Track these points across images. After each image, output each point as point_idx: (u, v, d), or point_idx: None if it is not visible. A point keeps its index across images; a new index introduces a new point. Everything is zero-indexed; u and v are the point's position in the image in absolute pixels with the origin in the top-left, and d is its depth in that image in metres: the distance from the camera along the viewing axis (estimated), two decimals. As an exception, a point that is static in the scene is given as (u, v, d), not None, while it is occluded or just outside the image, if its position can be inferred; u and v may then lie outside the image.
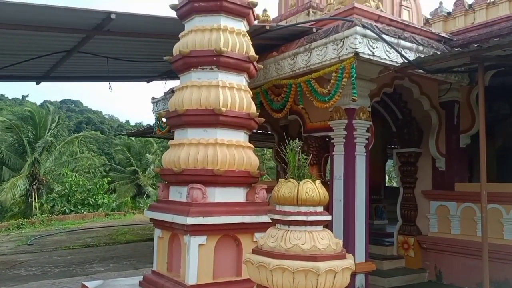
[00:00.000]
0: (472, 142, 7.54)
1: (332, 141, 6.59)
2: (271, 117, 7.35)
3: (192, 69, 5.24)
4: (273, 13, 9.67)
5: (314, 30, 6.54)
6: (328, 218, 3.63)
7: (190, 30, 5.33)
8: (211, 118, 5.00)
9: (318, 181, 4.38)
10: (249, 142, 5.51)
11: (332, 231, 6.36)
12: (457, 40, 7.15)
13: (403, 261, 7.78)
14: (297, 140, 4.67)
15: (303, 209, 3.66)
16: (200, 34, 5.22)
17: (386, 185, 15.66)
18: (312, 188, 3.96)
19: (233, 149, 5.06)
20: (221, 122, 5.02)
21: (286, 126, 9.71)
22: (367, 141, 6.49)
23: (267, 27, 6.47)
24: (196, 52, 5.15)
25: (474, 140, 7.22)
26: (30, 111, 24.08)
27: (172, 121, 5.44)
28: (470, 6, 9.42)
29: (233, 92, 5.18)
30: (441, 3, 9.92)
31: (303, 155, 4.64)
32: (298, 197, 3.81)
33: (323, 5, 8.08)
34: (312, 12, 8.12)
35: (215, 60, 5.12)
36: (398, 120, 8.08)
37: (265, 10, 9.60)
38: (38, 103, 37.36)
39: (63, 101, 61.51)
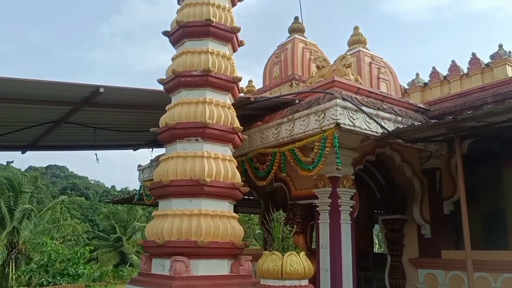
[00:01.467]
0: (456, 208, 7.61)
1: (317, 209, 6.61)
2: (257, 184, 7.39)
3: (178, 140, 5.35)
4: (258, 83, 10.09)
5: (297, 101, 6.80)
6: (311, 291, 3.53)
7: (177, 103, 5.51)
8: (195, 188, 5.03)
9: (302, 253, 4.34)
10: (235, 208, 5.50)
11: (320, 302, 6.24)
12: (434, 110, 7.46)
13: (395, 333, 7.51)
14: (281, 211, 4.69)
15: (287, 283, 3.60)
16: (186, 106, 5.40)
17: (375, 251, 15.44)
18: (297, 261, 3.92)
19: (218, 220, 5.05)
20: (205, 192, 5.05)
21: (272, 193, 9.71)
22: (351, 209, 6.52)
23: (252, 99, 6.72)
24: (182, 124, 5.29)
25: (458, 206, 7.30)
26: (8, 178, 23.65)
27: (156, 192, 5.45)
28: (445, 77, 9.94)
29: (218, 162, 5.27)
30: (417, 74, 10.46)
31: (287, 226, 4.64)
32: (283, 270, 3.77)
33: (305, 77, 8.45)
34: (295, 83, 8.47)
35: (200, 131, 5.25)
36: (382, 187, 8.18)
37: (250, 81, 10.04)
38: (23, 169, 37.00)
39: (48, 167, 60.91)
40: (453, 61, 9.76)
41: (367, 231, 11.19)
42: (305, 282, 4.00)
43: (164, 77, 5.80)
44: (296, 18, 9.54)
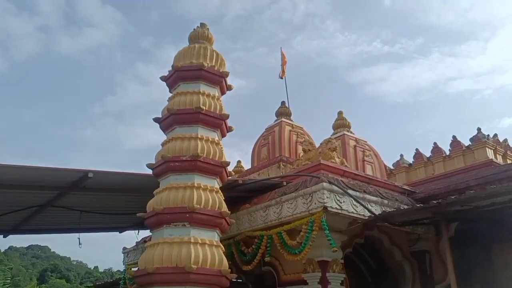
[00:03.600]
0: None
1: (308, 295, 6.41)
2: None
3: (164, 226, 5.31)
4: (246, 161, 10.25)
5: (285, 183, 6.88)
6: None
7: (165, 188, 5.55)
8: (181, 276, 4.90)
9: None
10: None
11: None
12: (419, 192, 7.58)
13: None
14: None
15: None
16: (174, 191, 5.43)
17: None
18: None
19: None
20: (191, 280, 4.91)
21: (261, 276, 9.43)
22: (342, 295, 6.34)
23: (240, 181, 6.80)
24: (170, 209, 5.28)
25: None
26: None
27: (141, 280, 5.28)
28: (429, 158, 10.23)
29: (205, 248, 5.19)
30: (401, 155, 10.76)
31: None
32: None
33: (293, 159, 8.64)
34: (283, 165, 8.63)
35: (188, 216, 5.24)
36: (372, 270, 8.01)
37: (239, 161, 10.20)
38: (3, 250, 35.52)
39: (29, 247, 58.60)
40: (435, 143, 10.11)
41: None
42: None
43: (154, 158, 5.90)
44: (283, 103, 9.98)
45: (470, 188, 6.48)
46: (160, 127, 6.18)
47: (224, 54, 6.56)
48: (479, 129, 9.46)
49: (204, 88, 6.17)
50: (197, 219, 5.27)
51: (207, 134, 5.92)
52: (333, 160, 7.21)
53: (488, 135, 9.38)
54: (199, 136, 5.78)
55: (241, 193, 7.18)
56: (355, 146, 8.73)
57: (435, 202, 5.81)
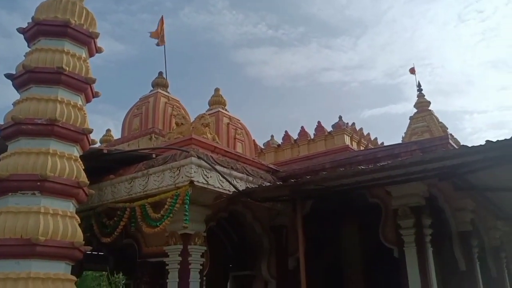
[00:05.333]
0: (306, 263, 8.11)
1: (167, 267, 6.46)
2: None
3: (10, 194, 4.82)
4: (119, 134, 9.79)
5: (154, 156, 6.74)
6: None
7: (14, 152, 5.03)
8: (26, 249, 4.53)
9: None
10: (84, 264, 5.03)
11: None
12: (283, 172, 8.07)
13: None
14: (120, 274, 4.50)
15: None
16: (24, 157, 4.95)
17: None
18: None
19: (50, 284, 4.57)
20: (38, 253, 4.57)
21: (123, 249, 9.22)
22: (201, 267, 6.52)
23: (105, 151, 6.47)
24: (18, 176, 4.81)
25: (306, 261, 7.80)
26: None
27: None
28: (295, 141, 10.94)
29: (57, 219, 4.86)
30: (272, 136, 11.35)
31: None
32: None
33: (165, 132, 8.49)
34: (155, 137, 8.44)
35: (38, 185, 4.83)
36: (234, 243, 8.38)
37: (108, 130, 9.69)
38: None
39: None
40: (302, 127, 10.85)
41: (221, 286, 11.23)
42: None
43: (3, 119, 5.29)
44: (160, 73, 9.70)
45: (325, 170, 7.11)
46: (14, 85, 5.53)
47: (104, 14, 6.18)
48: (340, 117, 10.39)
49: (69, 47, 5.66)
50: (50, 188, 4.89)
51: (69, 98, 5.48)
52: (205, 136, 7.27)
53: (347, 123, 10.37)
54: (59, 98, 5.32)
55: (106, 163, 6.84)
56: (228, 123, 8.92)
57: (292, 181, 6.26)
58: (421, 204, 7.05)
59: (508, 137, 4.39)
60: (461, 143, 9.23)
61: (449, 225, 8.75)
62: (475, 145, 4.67)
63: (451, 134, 10.54)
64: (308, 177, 6.12)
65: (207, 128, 7.42)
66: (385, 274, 12.41)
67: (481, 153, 4.79)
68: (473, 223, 9.35)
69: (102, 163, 6.71)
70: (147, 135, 8.49)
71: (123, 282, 4.09)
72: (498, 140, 4.48)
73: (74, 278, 5.00)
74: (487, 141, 4.53)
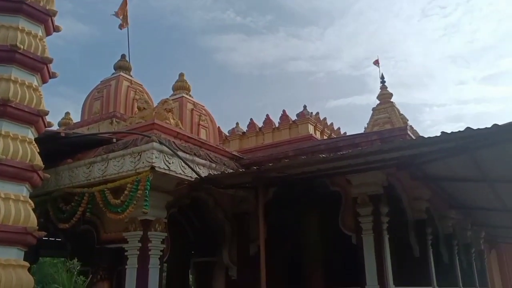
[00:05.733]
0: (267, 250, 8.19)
1: (126, 253, 6.37)
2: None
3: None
4: (77, 117, 9.49)
5: (115, 140, 6.58)
6: None
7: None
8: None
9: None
10: (39, 250, 4.87)
11: None
12: (246, 159, 8.09)
13: None
14: (75, 260, 4.41)
15: None
16: (-28, 138, 4.71)
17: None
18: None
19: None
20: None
21: (82, 235, 9.01)
22: (161, 253, 6.47)
23: (63, 134, 6.26)
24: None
25: (267, 248, 7.88)
26: None
27: None
28: (260, 129, 10.96)
29: (9, 203, 4.69)
30: (237, 123, 11.31)
31: (81, 276, 4.36)
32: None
33: (127, 116, 8.30)
34: (116, 121, 8.23)
35: (-13, 168, 4.61)
36: (196, 230, 8.35)
37: (67, 113, 9.37)
38: None
39: None
40: (267, 115, 10.89)
41: (182, 274, 11.21)
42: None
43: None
44: (123, 56, 9.43)
45: (288, 158, 7.18)
46: (-38, 62, 5.22)
47: (68, -8, 5.82)
48: (305, 106, 10.49)
49: (24, 24, 5.39)
50: (2, 171, 4.69)
51: (23, 77, 5.23)
52: (168, 121, 7.17)
53: (312, 113, 10.48)
54: (13, 78, 5.08)
55: (63, 147, 6.63)
56: (192, 109, 8.81)
57: (255, 168, 6.28)
58: (380, 193, 7.25)
59: (462, 129, 4.56)
60: (420, 135, 9.53)
61: (406, 214, 9.06)
62: (431, 136, 4.83)
63: (410, 126, 10.85)
64: (270, 164, 6.16)
65: (170, 113, 7.31)
66: (343, 261, 12.80)
67: (436, 144, 4.96)
68: (428, 211, 9.72)
69: (59, 147, 6.50)
70: (107, 119, 8.26)
71: (78, 268, 4.00)
72: (452, 132, 4.65)
73: (26, 264, 4.84)
74: (442, 132, 4.69)
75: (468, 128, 4.51)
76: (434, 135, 4.77)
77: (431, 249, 9.53)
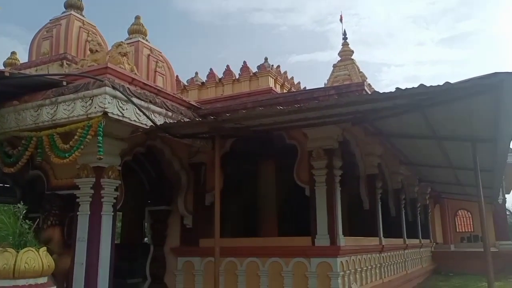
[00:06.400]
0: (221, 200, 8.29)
1: (77, 200, 6.26)
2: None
3: None
4: (25, 58, 8.91)
5: (65, 83, 6.27)
6: (51, 289, 3.29)
7: None
8: None
9: (43, 249, 4.01)
10: None
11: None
12: (204, 109, 7.97)
13: (149, 319, 7.73)
14: (21, 204, 4.28)
15: (21, 282, 3.26)
16: None
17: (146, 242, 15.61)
18: (34, 258, 3.61)
19: None
20: None
21: (32, 181, 8.74)
22: (115, 200, 6.40)
23: (7, 74, 5.86)
24: None
25: (223, 198, 7.98)
26: None
27: None
28: (220, 79, 10.78)
29: None
30: (196, 73, 11.05)
31: (27, 220, 4.24)
32: (15, 269, 3.41)
33: (79, 59, 7.88)
34: (67, 64, 7.80)
35: None
36: (151, 179, 8.29)
37: (13, 53, 8.80)
38: None
39: None
40: (227, 66, 10.68)
41: (138, 222, 11.26)
42: (43, 280, 3.69)
43: None
44: (74, -7, 8.80)
45: (247, 110, 7.14)
46: None
47: None
48: (266, 59, 10.34)
49: None
50: None
51: (-40, 8, 4.78)
52: (122, 66, 6.86)
53: (273, 66, 10.37)
54: None
55: (9, 88, 6.23)
56: (148, 55, 8.46)
57: (212, 118, 6.20)
58: (334, 147, 7.42)
59: (416, 86, 4.65)
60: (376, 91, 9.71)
61: (358, 168, 9.39)
62: (386, 91, 4.90)
63: (368, 83, 11.03)
64: (228, 114, 6.10)
65: (124, 57, 6.99)
66: (297, 211, 13.26)
67: (391, 99, 5.06)
68: (379, 167, 10.12)
69: (4, 88, 6.11)
70: (58, 61, 7.80)
71: (23, 212, 3.86)
72: (406, 88, 4.73)
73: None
74: (397, 88, 4.77)
75: (421, 85, 4.60)
76: (389, 91, 4.85)
77: (380, 203, 10.02)
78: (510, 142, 6.69)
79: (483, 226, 6.26)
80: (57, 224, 6.48)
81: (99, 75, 6.17)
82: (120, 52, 6.89)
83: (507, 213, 22.41)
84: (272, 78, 10.25)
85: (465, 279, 14.94)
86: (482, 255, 7.03)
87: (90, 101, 5.62)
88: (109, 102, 5.56)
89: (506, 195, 20.36)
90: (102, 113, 5.50)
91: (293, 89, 10.98)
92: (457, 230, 23.02)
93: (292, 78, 11.44)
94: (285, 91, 10.67)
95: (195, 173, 8.33)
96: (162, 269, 7.98)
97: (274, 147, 9.05)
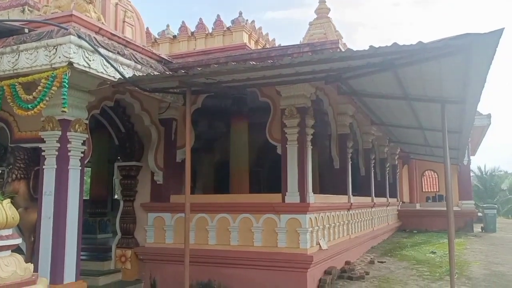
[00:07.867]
0: (193, 157, 8.26)
1: (43, 153, 6.07)
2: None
3: None
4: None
5: (27, 30, 5.92)
6: (16, 241, 3.25)
7: None
8: None
9: (6, 201, 3.89)
10: None
11: (39, 251, 5.86)
12: (176, 63, 7.74)
13: (120, 274, 7.79)
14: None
15: (-17, 234, 3.17)
16: None
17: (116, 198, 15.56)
18: (-3, 210, 3.50)
19: None
20: None
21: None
22: (82, 155, 6.25)
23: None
24: None
25: (192, 155, 7.94)
26: None
27: None
28: (193, 33, 10.44)
29: None
30: (168, 25, 10.64)
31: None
32: (-22, 221, 3.31)
33: (41, 5, 7.41)
34: (29, 10, 7.33)
35: None
36: (121, 134, 8.12)
37: (-30, -3, 8.18)
38: None
39: None
40: (200, 19, 10.33)
41: (107, 177, 11.13)
42: (7, 232, 3.61)
43: None
44: None
45: (220, 64, 6.96)
46: None
47: None
48: (240, 13, 10.03)
49: None
50: None
51: None
52: (88, 14, 6.49)
53: (247, 20, 10.08)
54: None
55: (-35, 33, 5.85)
56: (116, 4, 8.01)
57: (183, 72, 6.03)
58: (307, 106, 7.41)
59: (389, 45, 4.61)
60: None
61: (330, 127, 9.46)
62: (360, 49, 4.84)
63: (343, 42, 10.92)
64: (199, 69, 5.93)
65: (91, 5, 6.61)
66: (268, 169, 13.43)
67: (364, 58, 5.00)
68: (351, 127, 10.23)
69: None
70: (18, 7, 7.31)
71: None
72: (380, 46, 4.68)
73: None
74: (371, 46, 4.71)
75: (395, 44, 4.56)
76: (363, 49, 4.79)
77: (350, 162, 10.21)
78: (477, 104, 6.82)
79: (447, 186, 6.47)
80: (22, 177, 6.30)
81: (63, 22, 5.83)
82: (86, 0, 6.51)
83: (471, 174, 23.33)
84: (247, 33, 10.00)
85: (428, 236, 15.71)
86: (445, 213, 7.31)
87: (54, 50, 5.35)
88: (74, 52, 5.31)
89: (471, 157, 21.10)
90: (67, 63, 5.26)
91: (268, 46, 10.78)
92: (423, 190, 23.93)
93: (267, 34, 11.20)
94: (259, 47, 10.47)
95: (166, 129, 8.19)
96: (132, 224, 7.98)
97: (247, 104, 8.97)
